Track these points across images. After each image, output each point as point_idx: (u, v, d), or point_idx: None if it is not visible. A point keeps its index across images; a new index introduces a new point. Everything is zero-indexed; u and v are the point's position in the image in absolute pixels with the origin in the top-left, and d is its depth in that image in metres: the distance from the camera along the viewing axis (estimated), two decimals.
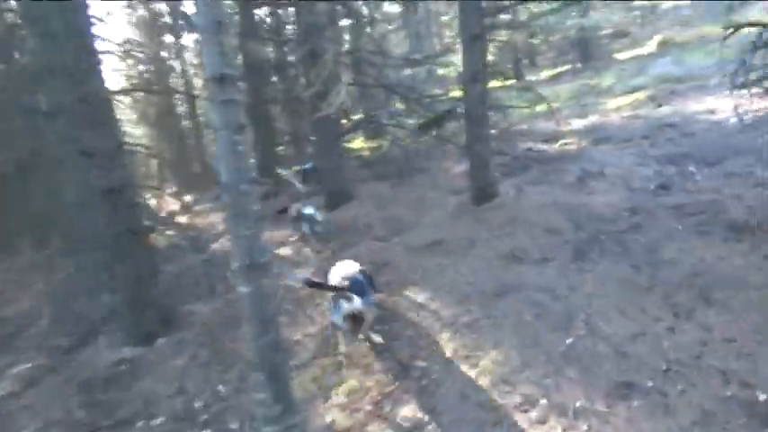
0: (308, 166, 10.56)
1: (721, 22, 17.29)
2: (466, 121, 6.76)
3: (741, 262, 4.20)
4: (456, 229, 6.44)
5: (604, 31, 21.18)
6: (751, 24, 4.98)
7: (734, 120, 7.68)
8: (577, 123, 10.87)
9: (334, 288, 4.21)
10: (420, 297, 5.05)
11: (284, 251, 7.51)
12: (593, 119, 10.84)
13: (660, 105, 10.16)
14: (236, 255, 2.97)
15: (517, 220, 6.03)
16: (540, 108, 13.96)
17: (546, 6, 10.77)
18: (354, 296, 4.07)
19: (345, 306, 4.07)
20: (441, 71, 17.00)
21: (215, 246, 9.10)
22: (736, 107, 7.36)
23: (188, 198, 16.39)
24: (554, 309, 4.25)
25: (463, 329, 4.33)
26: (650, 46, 18.12)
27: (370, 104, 12.50)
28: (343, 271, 4.43)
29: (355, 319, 4.11)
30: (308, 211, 7.41)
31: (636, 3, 20.41)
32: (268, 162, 12.26)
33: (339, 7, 10.64)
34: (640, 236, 5.01)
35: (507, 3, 7.93)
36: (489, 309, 4.50)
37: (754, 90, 5.16)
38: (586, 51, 18.84)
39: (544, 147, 9.83)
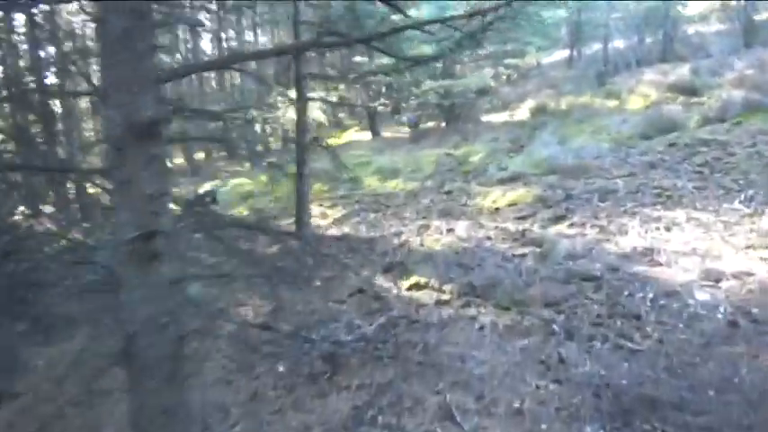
0: None
1: (598, 90, 15.19)
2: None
3: None
4: None
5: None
6: None
7: (707, 299, 4.18)
8: (439, 233, 7.07)
9: None
10: None
11: None
12: (460, 229, 7.08)
13: (557, 220, 6.67)
14: None
15: None
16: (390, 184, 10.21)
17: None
18: None
19: None
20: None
21: None
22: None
23: None
24: None
25: None
26: (522, 111, 15.50)
27: None
28: None
29: None
30: None
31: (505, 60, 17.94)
32: None
33: None
34: None
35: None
36: None
37: None
38: (452, 111, 15.74)
39: (389, 286, 5.83)
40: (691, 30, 22.05)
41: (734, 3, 20.46)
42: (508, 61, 15.78)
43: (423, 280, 5.71)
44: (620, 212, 6.43)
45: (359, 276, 6.25)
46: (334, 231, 8.19)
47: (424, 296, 5.42)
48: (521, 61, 15.74)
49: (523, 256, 5.80)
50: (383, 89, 11.87)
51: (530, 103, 15.48)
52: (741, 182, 6.64)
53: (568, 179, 8.24)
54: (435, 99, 11.06)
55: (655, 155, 8.47)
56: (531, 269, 5.37)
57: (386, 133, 18.92)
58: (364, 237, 7.62)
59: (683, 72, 13.79)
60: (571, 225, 6.36)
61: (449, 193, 9.31)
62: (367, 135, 18.99)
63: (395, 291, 5.72)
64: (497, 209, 7.71)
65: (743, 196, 6.10)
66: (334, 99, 7.75)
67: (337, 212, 9.74)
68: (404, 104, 11.08)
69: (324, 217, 9.59)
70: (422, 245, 6.83)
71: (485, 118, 16.48)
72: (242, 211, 11.87)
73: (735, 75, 11.56)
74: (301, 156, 7.35)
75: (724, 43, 17.92)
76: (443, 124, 16.46)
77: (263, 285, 6.54)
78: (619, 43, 21.25)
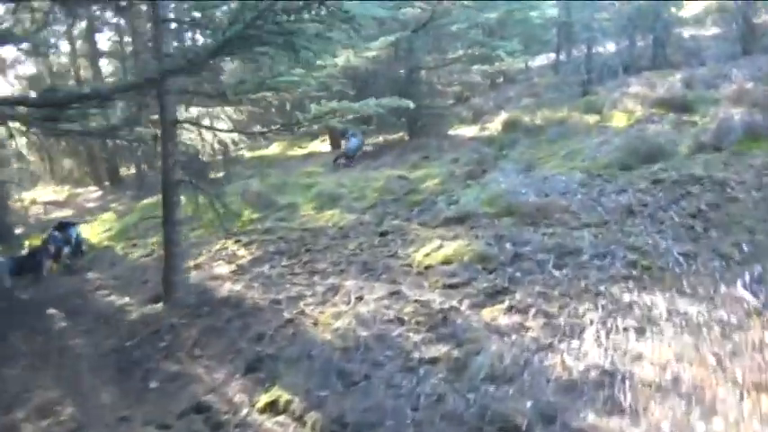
0: None
1: (579, 102, 13.42)
2: None
3: None
4: None
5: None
6: None
7: None
8: (345, 303, 5.31)
9: None
10: None
11: None
12: (371, 299, 5.30)
13: (494, 296, 4.90)
14: None
15: None
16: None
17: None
18: None
19: None
20: None
21: None
22: None
23: None
24: None
25: None
26: (494, 125, 13.73)
27: None
28: None
29: None
30: None
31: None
32: None
33: None
34: None
35: None
36: None
37: None
38: (415, 122, 13.99)
39: (241, 400, 4.10)
40: (685, 33, 20.33)
41: (732, 3, 18.65)
42: (476, 67, 13.95)
43: (286, 396, 3.95)
44: (579, 290, 4.66)
45: (210, 377, 4.47)
46: (224, 289, 6.40)
47: (277, 430, 3.64)
48: (490, 68, 13.92)
49: (434, 362, 4.03)
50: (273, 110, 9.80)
51: (503, 117, 13.68)
52: (745, 247, 4.89)
53: (524, 225, 6.50)
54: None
55: (634, 194, 6.72)
56: (434, 396, 3.59)
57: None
58: (253, 302, 5.84)
59: (673, 82, 12.07)
60: (510, 309, 4.59)
61: (383, 234, 7.55)
62: (327, 147, 17.23)
63: (244, 411, 3.95)
64: (428, 267, 5.93)
65: (747, 275, 4.33)
66: (211, 123, 5.79)
67: (249, 254, 7.97)
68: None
69: (231, 260, 7.83)
70: (315, 323, 5.06)
71: (454, 131, 14.76)
72: (154, 243, 10.05)
73: (733, 88, 9.81)
74: (168, 196, 5.56)
75: (721, 49, 16.22)
76: (406, 137, 14.73)
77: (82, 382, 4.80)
78: (610, 46, 19.49)
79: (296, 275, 6.57)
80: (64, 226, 9.76)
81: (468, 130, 14.33)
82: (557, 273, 5.08)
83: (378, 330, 4.63)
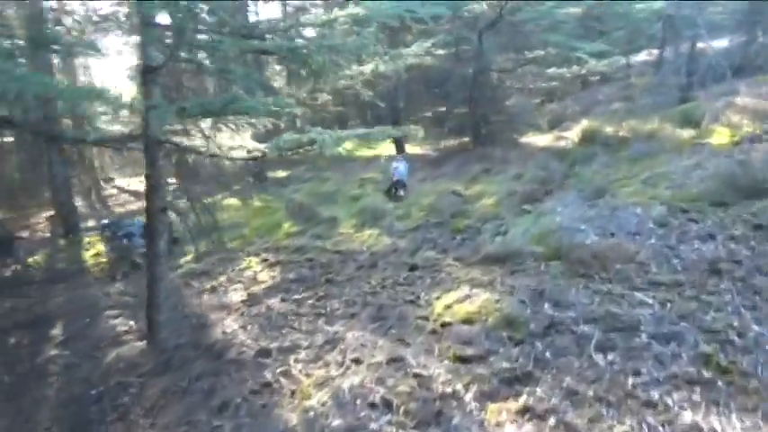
0: None
1: (674, 111, 11.55)
2: None
3: None
4: None
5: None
6: None
7: None
8: (338, 366, 4.48)
9: None
10: None
11: None
12: (368, 362, 4.39)
13: (510, 384, 3.81)
14: None
15: None
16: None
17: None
18: None
19: None
20: None
21: None
22: None
23: None
24: None
25: None
26: (572, 134, 12.18)
27: None
28: None
29: None
30: None
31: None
32: None
33: None
34: None
35: None
36: None
37: None
38: (480, 129, 12.74)
39: None
40: None
41: None
42: (552, 70, 12.40)
43: None
44: (623, 394, 3.46)
45: None
46: (218, 329, 5.74)
47: None
48: (568, 71, 12.30)
49: None
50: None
51: (582, 125, 12.09)
52: None
53: (574, 277, 5.27)
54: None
55: (724, 243, 5.27)
56: None
57: (415, 149, 16.21)
58: (238, 352, 5.12)
59: None
60: (524, 411, 3.48)
61: (413, 269, 6.64)
62: (392, 149, 16.35)
63: None
64: (445, 324, 4.90)
65: None
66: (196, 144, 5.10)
67: (270, 278, 7.34)
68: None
69: (248, 285, 7.23)
70: (293, 393, 4.23)
71: (526, 139, 13.35)
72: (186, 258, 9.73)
73: None
74: (152, 224, 4.95)
75: None
76: (471, 144, 13.51)
77: None
78: (722, 43, 16.95)
79: (301, 317, 5.79)
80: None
81: (541, 139, 12.88)
82: (599, 358, 3.88)
83: (354, 420, 3.71)
